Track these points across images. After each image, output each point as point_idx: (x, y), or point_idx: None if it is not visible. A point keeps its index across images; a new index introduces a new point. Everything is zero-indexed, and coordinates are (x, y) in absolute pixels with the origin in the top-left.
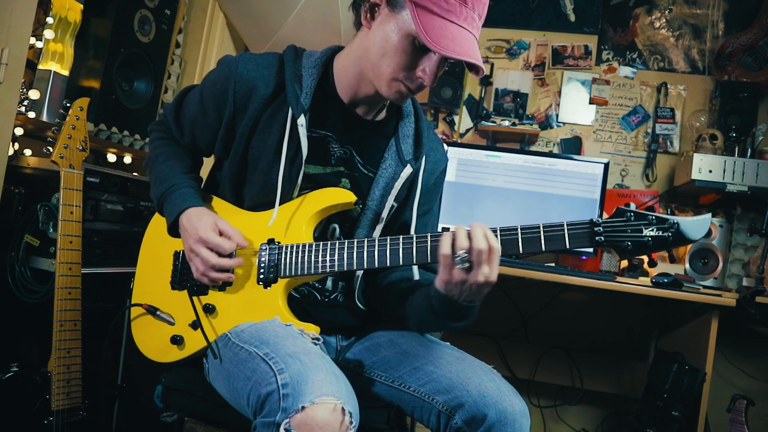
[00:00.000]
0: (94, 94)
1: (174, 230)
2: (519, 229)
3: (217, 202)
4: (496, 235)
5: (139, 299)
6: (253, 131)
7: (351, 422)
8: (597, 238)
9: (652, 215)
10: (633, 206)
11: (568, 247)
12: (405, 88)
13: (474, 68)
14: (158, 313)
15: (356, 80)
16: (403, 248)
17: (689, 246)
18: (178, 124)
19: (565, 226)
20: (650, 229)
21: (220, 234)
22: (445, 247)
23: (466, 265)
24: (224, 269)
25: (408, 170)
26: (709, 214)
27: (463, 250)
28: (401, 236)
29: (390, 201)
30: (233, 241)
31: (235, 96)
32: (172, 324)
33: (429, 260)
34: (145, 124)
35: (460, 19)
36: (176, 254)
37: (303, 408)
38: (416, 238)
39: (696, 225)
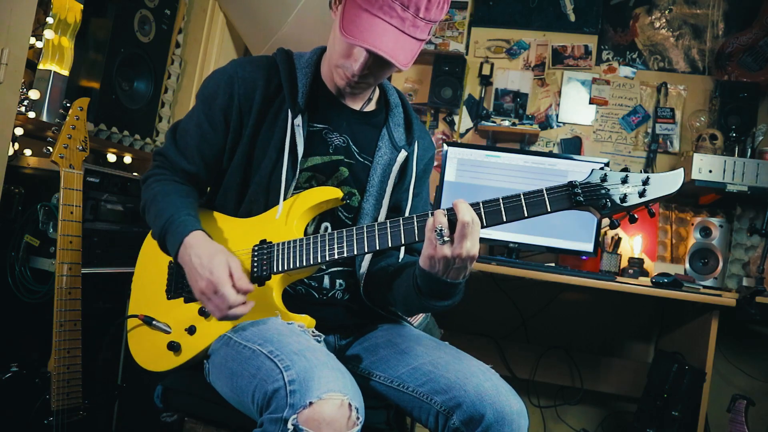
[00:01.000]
0: (94, 94)
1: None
2: (501, 200)
3: (205, 214)
4: (480, 209)
5: (135, 311)
6: (258, 131)
7: (358, 418)
8: (576, 198)
9: (625, 173)
10: (607, 168)
11: (549, 210)
12: (344, 75)
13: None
14: (154, 322)
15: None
16: (391, 231)
17: (689, 246)
18: (182, 153)
19: (545, 191)
20: (626, 186)
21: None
22: (429, 223)
23: (446, 239)
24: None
25: (403, 155)
26: (681, 169)
27: (441, 225)
28: (388, 220)
29: (390, 186)
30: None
31: (239, 98)
32: (169, 332)
33: (417, 239)
34: (146, 124)
35: (374, 9)
36: (171, 264)
37: (311, 403)
38: (403, 220)
39: (669, 178)
